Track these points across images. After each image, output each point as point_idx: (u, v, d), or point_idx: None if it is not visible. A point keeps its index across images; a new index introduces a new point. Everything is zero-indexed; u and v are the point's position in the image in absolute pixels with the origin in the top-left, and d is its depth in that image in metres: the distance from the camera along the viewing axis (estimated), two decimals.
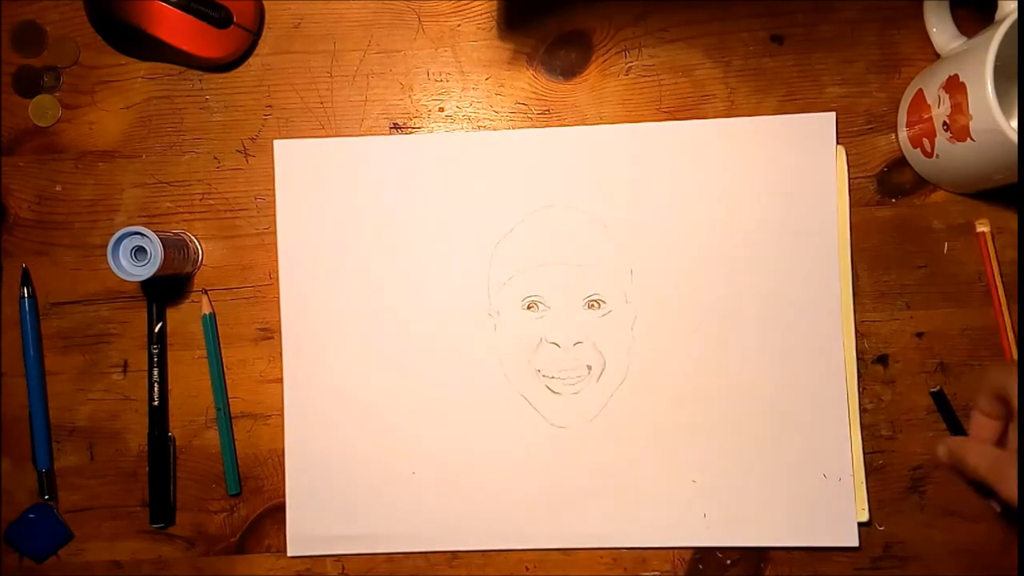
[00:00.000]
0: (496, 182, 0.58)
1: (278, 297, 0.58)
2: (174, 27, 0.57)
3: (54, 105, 0.59)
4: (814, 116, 0.57)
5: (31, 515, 0.58)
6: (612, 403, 0.56)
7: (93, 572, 0.58)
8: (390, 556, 0.57)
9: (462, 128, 0.58)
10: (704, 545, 0.56)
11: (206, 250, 0.59)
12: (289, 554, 0.57)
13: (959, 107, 0.49)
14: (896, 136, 0.57)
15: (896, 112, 0.57)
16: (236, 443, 0.58)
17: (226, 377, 0.58)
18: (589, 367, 0.57)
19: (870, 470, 0.56)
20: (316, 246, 0.58)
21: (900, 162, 0.57)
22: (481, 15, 0.59)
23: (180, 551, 0.58)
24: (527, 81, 0.58)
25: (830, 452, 0.55)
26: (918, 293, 0.56)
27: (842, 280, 0.56)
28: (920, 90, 0.54)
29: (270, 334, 0.58)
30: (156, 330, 0.58)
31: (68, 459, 0.58)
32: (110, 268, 0.53)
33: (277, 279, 0.58)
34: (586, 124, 0.58)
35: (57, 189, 0.59)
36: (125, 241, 0.54)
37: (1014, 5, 0.48)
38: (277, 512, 0.58)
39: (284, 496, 0.57)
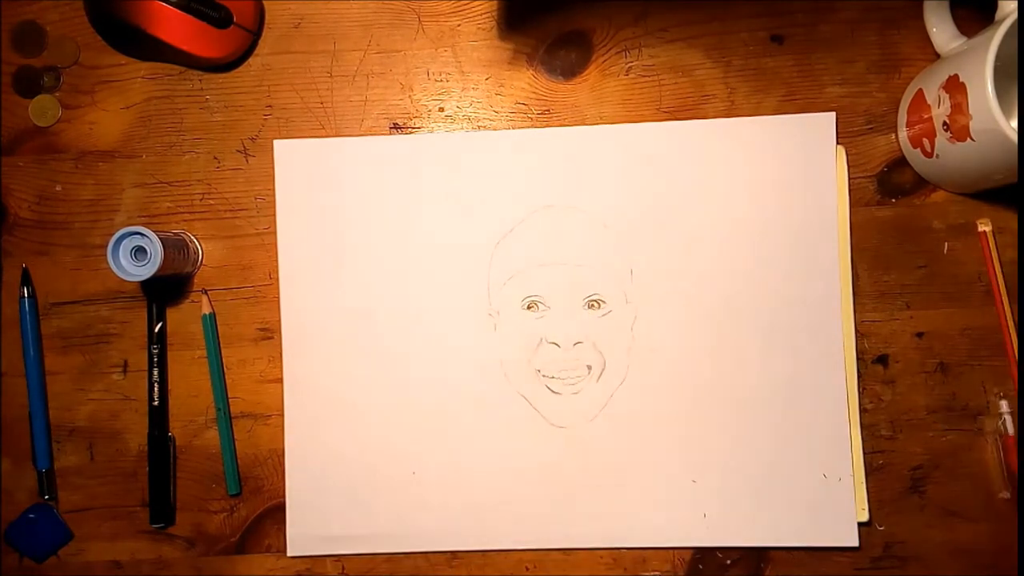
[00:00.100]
0: (496, 182, 0.58)
1: (278, 297, 0.58)
2: (174, 27, 0.57)
3: (54, 105, 0.59)
4: (814, 116, 0.57)
5: (31, 515, 0.58)
6: (612, 403, 0.56)
7: (93, 572, 0.58)
8: (390, 556, 0.57)
9: (462, 128, 0.58)
10: (704, 545, 0.56)
11: (206, 250, 0.59)
12: (289, 554, 0.57)
13: (959, 107, 0.49)
14: (896, 136, 0.57)
15: (896, 112, 0.57)
16: (236, 443, 0.58)
17: (226, 377, 0.58)
18: (589, 367, 0.57)
19: (870, 470, 0.56)
20: (316, 246, 0.58)
21: (900, 162, 0.57)
22: (481, 15, 0.59)
23: (180, 551, 0.58)
24: (527, 81, 0.58)
25: (830, 452, 0.55)
26: (918, 293, 0.56)
27: (842, 280, 0.56)
28: (920, 90, 0.54)
29: (270, 334, 0.58)
30: (156, 330, 0.58)
31: (68, 459, 0.58)
32: (110, 268, 0.53)
33: (277, 279, 0.58)
34: (586, 124, 0.58)
35: (57, 189, 0.59)
36: (125, 241, 0.54)
37: (1014, 5, 0.48)
38: (277, 512, 0.58)
39: (284, 496, 0.57)
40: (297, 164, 0.58)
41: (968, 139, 0.49)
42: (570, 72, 0.58)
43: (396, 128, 0.59)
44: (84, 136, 0.59)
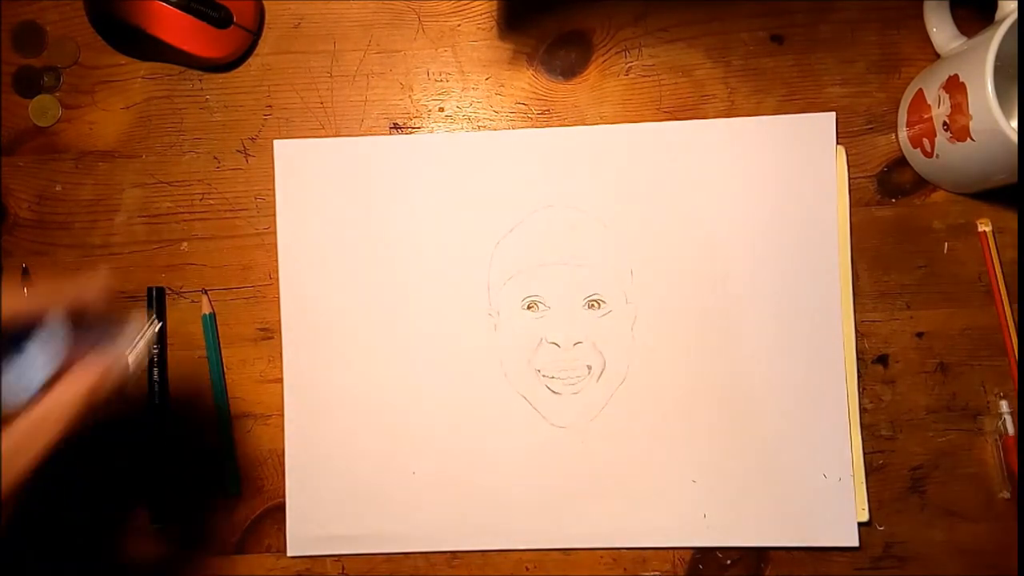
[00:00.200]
0: (496, 182, 0.58)
1: (278, 297, 0.58)
2: (174, 27, 0.57)
3: (54, 105, 0.59)
4: (814, 116, 0.57)
5: None
6: (612, 403, 0.56)
7: (93, 572, 0.58)
8: (390, 556, 0.57)
9: (462, 128, 0.58)
10: (704, 545, 0.56)
11: (206, 250, 0.58)
12: (289, 554, 0.57)
13: (959, 107, 0.49)
14: (896, 136, 0.57)
15: (896, 112, 0.57)
16: (236, 443, 0.58)
17: (226, 377, 0.58)
18: (589, 367, 0.57)
19: (870, 470, 0.56)
20: (316, 246, 0.58)
21: (900, 162, 0.57)
22: (481, 15, 0.59)
23: (180, 551, 0.58)
24: (527, 81, 0.58)
25: (830, 452, 0.55)
26: (918, 293, 0.56)
27: (842, 280, 0.56)
28: (920, 90, 0.54)
29: (270, 334, 0.58)
30: (156, 330, 0.58)
31: None
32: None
33: (277, 279, 0.58)
34: (586, 124, 0.58)
35: (57, 189, 0.59)
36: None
37: (1014, 5, 0.48)
38: (277, 512, 0.58)
39: (284, 496, 0.57)
40: (297, 164, 0.58)
41: (968, 139, 0.49)
42: (570, 72, 0.58)
43: (396, 128, 0.59)
44: (84, 136, 0.59)
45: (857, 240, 0.57)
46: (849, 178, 0.57)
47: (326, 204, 0.58)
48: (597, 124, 0.58)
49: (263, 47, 0.59)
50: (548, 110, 0.58)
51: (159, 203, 0.59)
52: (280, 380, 0.58)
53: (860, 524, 0.55)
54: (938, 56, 0.56)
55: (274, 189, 0.58)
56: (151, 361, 0.57)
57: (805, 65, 0.57)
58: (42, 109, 0.59)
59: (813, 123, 0.57)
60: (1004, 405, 0.55)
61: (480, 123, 0.58)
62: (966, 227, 0.56)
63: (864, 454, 0.55)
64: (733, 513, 0.56)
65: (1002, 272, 0.55)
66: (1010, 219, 0.56)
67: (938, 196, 0.57)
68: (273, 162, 0.58)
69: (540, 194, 0.57)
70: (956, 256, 0.56)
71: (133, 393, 0.57)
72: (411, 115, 0.59)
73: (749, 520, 0.56)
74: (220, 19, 0.57)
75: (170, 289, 0.58)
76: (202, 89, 0.59)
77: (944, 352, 0.56)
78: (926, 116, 0.53)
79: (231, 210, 0.59)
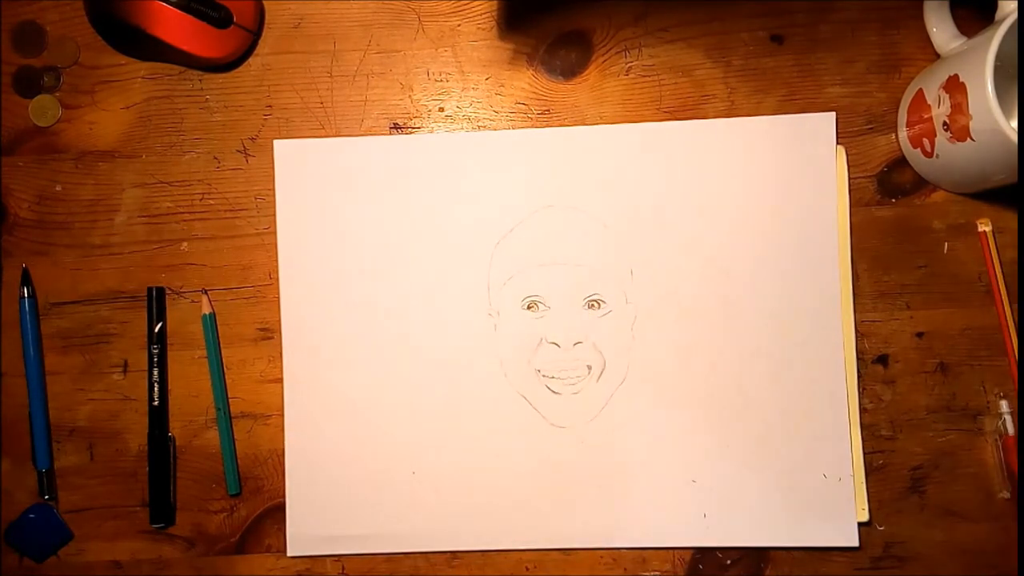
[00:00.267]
0: (496, 182, 0.58)
1: (278, 297, 0.58)
2: (174, 27, 0.57)
3: (54, 105, 0.59)
4: (814, 116, 0.57)
5: (31, 515, 0.58)
6: (612, 403, 0.56)
7: (93, 572, 0.58)
8: (390, 556, 0.57)
9: (462, 128, 0.58)
10: (704, 545, 0.56)
11: (206, 250, 0.58)
12: (289, 554, 0.57)
13: (959, 107, 0.49)
14: (896, 136, 0.57)
15: (896, 112, 0.57)
16: (236, 443, 0.58)
17: (226, 377, 0.58)
18: (589, 367, 0.57)
19: (870, 470, 0.56)
20: (316, 246, 0.58)
21: (900, 162, 0.57)
22: (481, 15, 0.59)
23: (180, 551, 0.58)
24: (527, 81, 0.58)
25: (830, 452, 0.55)
26: (918, 293, 0.56)
27: (842, 280, 0.56)
28: (920, 90, 0.54)
29: (270, 334, 0.58)
30: (156, 330, 0.58)
31: (68, 459, 0.58)
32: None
33: (277, 279, 0.58)
34: (586, 124, 0.58)
35: (57, 189, 0.59)
36: None
37: (1014, 5, 0.48)
38: (277, 512, 0.58)
39: (284, 496, 0.57)
40: (297, 164, 0.58)
41: (968, 139, 0.49)
42: (570, 72, 0.58)
43: (396, 128, 0.59)
44: (84, 136, 0.59)
45: (857, 240, 0.57)
46: (849, 178, 0.57)
47: (326, 204, 0.58)
48: (597, 124, 0.58)
49: (263, 47, 0.59)
50: (548, 110, 0.58)
51: (159, 203, 0.59)
52: (280, 380, 0.58)
53: (860, 524, 0.55)
54: (938, 56, 0.56)
55: (274, 189, 0.58)
56: (151, 361, 0.57)
57: (805, 65, 0.57)
58: (42, 109, 0.59)
59: (813, 123, 0.57)
60: (1004, 405, 0.56)
61: (480, 123, 0.58)
62: (966, 227, 0.56)
63: (864, 454, 0.55)
64: (733, 513, 0.56)
65: (1002, 272, 0.55)
66: (1010, 219, 0.56)
67: (938, 196, 0.57)
68: (273, 162, 0.58)
69: (540, 194, 0.57)
70: (956, 256, 0.56)
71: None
72: (411, 115, 0.59)
73: (749, 520, 0.56)
74: (220, 19, 0.57)
75: (170, 289, 0.59)
76: (202, 89, 0.59)
77: (944, 352, 0.56)
78: (926, 116, 0.53)
79: (231, 210, 0.59)
